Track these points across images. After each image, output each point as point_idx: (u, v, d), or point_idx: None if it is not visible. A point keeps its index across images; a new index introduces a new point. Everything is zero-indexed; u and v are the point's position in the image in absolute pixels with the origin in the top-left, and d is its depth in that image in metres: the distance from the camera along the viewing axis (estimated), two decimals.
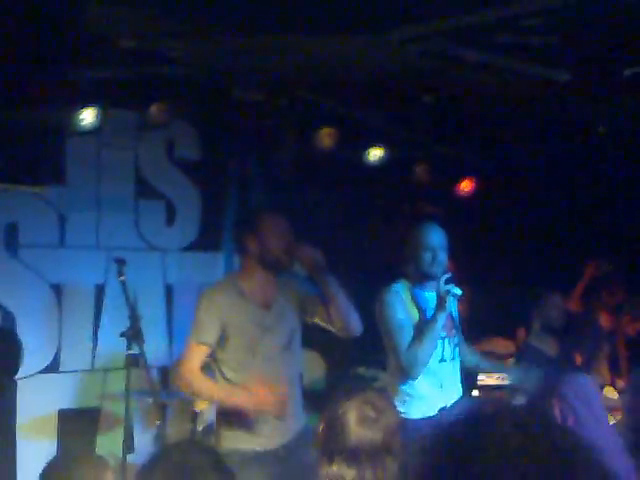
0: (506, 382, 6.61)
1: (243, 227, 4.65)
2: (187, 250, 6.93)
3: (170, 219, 6.86)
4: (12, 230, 6.06)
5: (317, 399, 4.61)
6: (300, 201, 6.85)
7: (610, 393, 6.46)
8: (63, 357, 6.24)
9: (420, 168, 7.41)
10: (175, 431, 6.15)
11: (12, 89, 5.19)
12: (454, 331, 4.95)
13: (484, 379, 7.03)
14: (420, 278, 4.89)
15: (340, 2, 4.44)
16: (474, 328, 6.14)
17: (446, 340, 4.88)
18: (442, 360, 4.87)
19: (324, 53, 5.33)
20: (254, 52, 5.35)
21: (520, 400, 5.73)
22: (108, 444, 5.85)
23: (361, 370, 7.07)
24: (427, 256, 4.84)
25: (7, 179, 5.93)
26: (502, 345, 7.53)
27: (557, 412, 3.51)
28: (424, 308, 4.85)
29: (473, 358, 5.30)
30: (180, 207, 6.90)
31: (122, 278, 4.71)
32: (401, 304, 4.83)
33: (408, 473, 2.44)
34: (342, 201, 7.42)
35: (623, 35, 4.86)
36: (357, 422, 2.93)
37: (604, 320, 7.25)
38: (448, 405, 4.84)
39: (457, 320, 5.03)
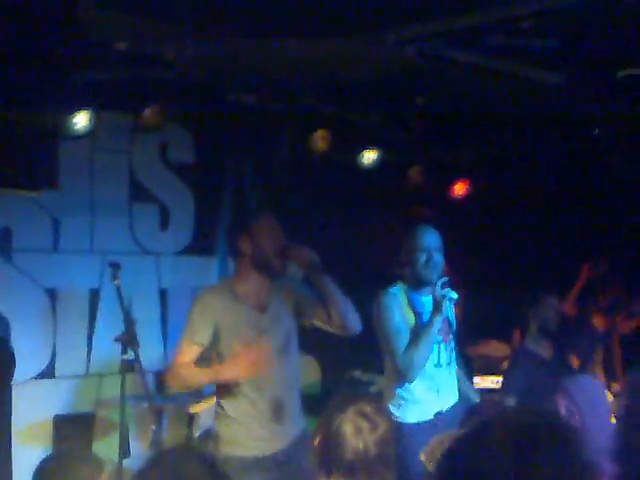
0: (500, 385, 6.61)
1: (237, 230, 4.65)
2: (181, 254, 6.92)
3: (164, 223, 6.85)
4: (6, 235, 6.04)
5: (313, 403, 4.59)
6: (295, 204, 6.84)
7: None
8: (58, 362, 6.22)
9: (414, 170, 7.40)
10: (171, 436, 6.14)
11: (5, 93, 5.17)
12: (450, 336, 4.94)
13: (479, 382, 7.05)
14: (416, 281, 4.88)
15: (335, 4, 4.42)
16: (469, 331, 6.13)
17: (442, 344, 4.87)
18: (438, 364, 4.86)
19: (318, 55, 5.32)
20: (248, 55, 5.34)
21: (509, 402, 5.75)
22: (104, 449, 5.82)
23: (357, 374, 7.05)
24: (422, 257, 4.83)
25: (0, 183, 5.91)
26: (497, 348, 7.54)
27: (563, 410, 3.53)
28: (420, 312, 4.84)
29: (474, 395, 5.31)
30: (174, 211, 6.88)
31: (117, 282, 4.69)
32: (398, 307, 4.82)
33: None
34: (337, 204, 7.41)
35: (618, 37, 4.86)
36: (352, 435, 2.95)
37: (598, 322, 7.25)
38: (444, 410, 4.83)
39: (454, 325, 5.01)
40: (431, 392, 4.84)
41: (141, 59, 5.35)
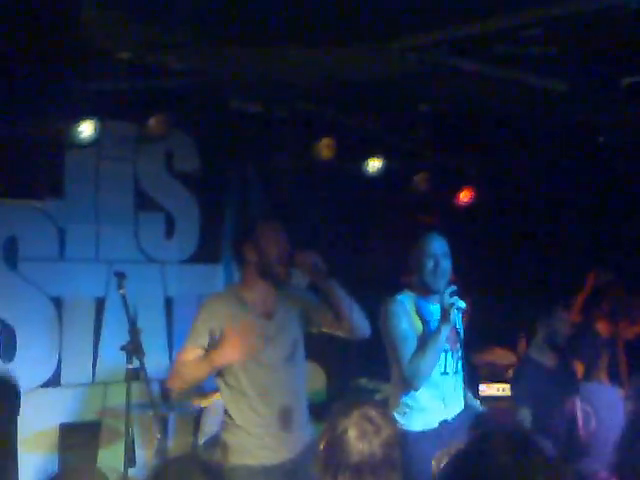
0: (507, 393, 6.60)
1: (242, 237, 4.65)
2: (187, 262, 6.92)
3: (169, 231, 6.85)
4: (12, 244, 6.04)
5: (318, 411, 4.59)
6: (300, 212, 6.84)
7: None
8: (64, 371, 6.22)
9: (419, 178, 7.40)
10: (176, 445, 6.13)
11: (10, 102, 5.19)
12: (458, 344, 4.92)
13: (485, 390, 7.02)
14: (424, 288, 4.86)
15: (340, 12, 4.43)
16: (475, 338, 6.12)
17: (449, 353, 4.85)
18: (444, 373, 4.84)
19: (323, 63, 5.33)
20: (253, 63, 5.35)
21: (523, 413, 5.73)
22: (109, 458, 5.83)
23: (363, 381, 7.04)
24: (430, 264, 4.81)
25: (6, 193, 5.92)
26: (503, 355, 7.51)
27: (579, 417, 3.53)
28: (428, 320, 4.82)
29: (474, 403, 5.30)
30: (179, 219, 6.88)
31: (122, 291, 4.68)
32: (405, 315, 4.81)
33: None
34: (342, 211, 7.41)
35: (621, 45, 4.86)
36: (357, 438, 2.94)
37: (602, 328, 7.23)
38: (449, 418, 4.82)
39: (461, 333, 4.99)
40: (437, 400, 4.82)
41: (145, 68, 5.36)
